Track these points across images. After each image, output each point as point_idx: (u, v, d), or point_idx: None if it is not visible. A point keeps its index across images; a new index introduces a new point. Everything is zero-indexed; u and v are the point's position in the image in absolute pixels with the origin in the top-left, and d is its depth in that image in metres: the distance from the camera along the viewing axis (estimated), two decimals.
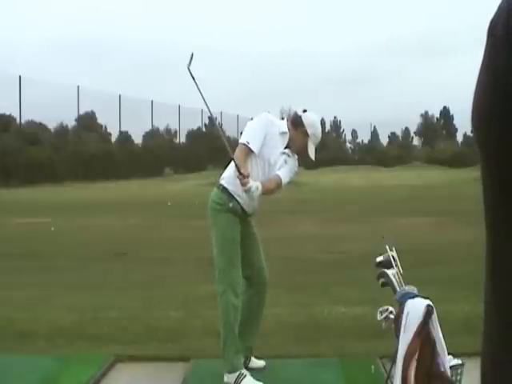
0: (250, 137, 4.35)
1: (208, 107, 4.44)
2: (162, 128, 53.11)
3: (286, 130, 4.47)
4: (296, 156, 4.54)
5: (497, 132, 0.81)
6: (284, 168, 4.40)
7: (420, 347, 3.30)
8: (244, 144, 4.31)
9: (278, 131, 4.44)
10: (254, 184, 4.16)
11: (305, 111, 4.55)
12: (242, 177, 4.13)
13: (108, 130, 49.89)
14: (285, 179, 4.40)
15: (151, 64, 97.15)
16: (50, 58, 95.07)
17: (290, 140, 4.46)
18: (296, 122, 4.49)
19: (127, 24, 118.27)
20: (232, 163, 4.29)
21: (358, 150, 65.54)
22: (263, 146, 4.34)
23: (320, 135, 4.57)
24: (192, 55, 4.30)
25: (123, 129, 47.58)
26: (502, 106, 0.80)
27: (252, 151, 4.30)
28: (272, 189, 4.37)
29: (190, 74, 4.26)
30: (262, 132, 4.36)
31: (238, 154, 4.29)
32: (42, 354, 5.01)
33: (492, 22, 0.83)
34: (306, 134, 4.46)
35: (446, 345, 3.36)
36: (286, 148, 4.45)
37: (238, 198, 4.32)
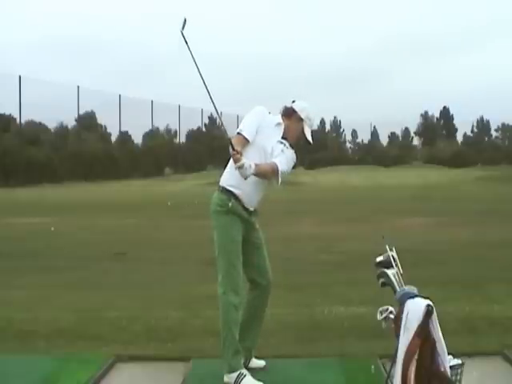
0: (243, 125, 4.36)
1: (207, 87, 4.20)
2: (162, 128, 53.19)
3: (281, 121, 4.49)
4: (293, 150, 4.54)
5: None
6: (281, 156, 4.38)
7: (420, 347, 3.30)
8: (238, 133, 4.32)
9: (272, 121, 4.46)
10: (248, 162, 4.11)
11: (293, 102, 4.58)
12: (236, 153, 4.09)
13: (108, 130, 49.93)
14: (281, 166, 4.32)
15: (151, 64, 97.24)
16: (50, 58, 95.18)
17: (285, 131, 4.47)
18: (288, 112, 4.51)
19: (127, 24, 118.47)
20: (231, 162, 4.28)
21: (358, 150, 65.51)
22: (258, 135, 4.34)
23: (314, 117, 4.58)
24: (185, 20, 4.18)
25: (123, 129, 47.64)
26: None
27: (246, 139, 4.30)
28: (266, 172, 4.29)
29: (184, 38, 4.09)
30: (255, 120, 4.37)
31: (233, 142, 4.27)
32: (42, 354, 5.01)
33: None
34: (300, 119, 4.49)
35: (446, 345, 3.36)
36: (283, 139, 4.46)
37: (235, 191, 4.30)
